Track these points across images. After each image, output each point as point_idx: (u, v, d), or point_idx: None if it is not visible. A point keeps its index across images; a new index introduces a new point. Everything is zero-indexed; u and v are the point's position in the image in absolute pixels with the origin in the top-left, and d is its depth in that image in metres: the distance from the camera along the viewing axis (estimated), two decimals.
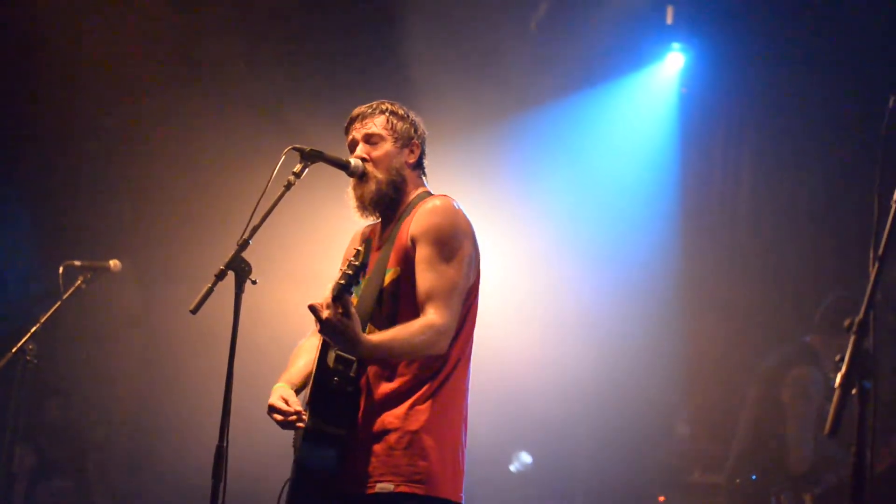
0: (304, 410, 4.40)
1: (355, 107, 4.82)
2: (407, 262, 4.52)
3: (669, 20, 9.46)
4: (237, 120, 8.93)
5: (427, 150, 4.86)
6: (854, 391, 2.99)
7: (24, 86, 9.07)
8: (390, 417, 4.41)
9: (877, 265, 3.10)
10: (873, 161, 3.27)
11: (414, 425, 4.39)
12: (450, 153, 7.67)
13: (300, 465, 4.44)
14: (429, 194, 4.75)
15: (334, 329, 4.13)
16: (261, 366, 5.61)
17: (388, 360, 4.44)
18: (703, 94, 9.62)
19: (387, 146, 4.71)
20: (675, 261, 9.51)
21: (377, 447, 4.39)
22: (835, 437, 2.92)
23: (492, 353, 7.31)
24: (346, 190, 4.73)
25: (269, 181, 4.47)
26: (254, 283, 4.42)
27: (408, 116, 4.80)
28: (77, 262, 7.29)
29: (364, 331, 4.35)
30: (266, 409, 4.47)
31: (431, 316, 4.37)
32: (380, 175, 4.67)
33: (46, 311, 7.08)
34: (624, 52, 9.51)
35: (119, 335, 9.16)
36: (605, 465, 9.21)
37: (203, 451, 4.41)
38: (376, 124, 4.73)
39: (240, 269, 4.39)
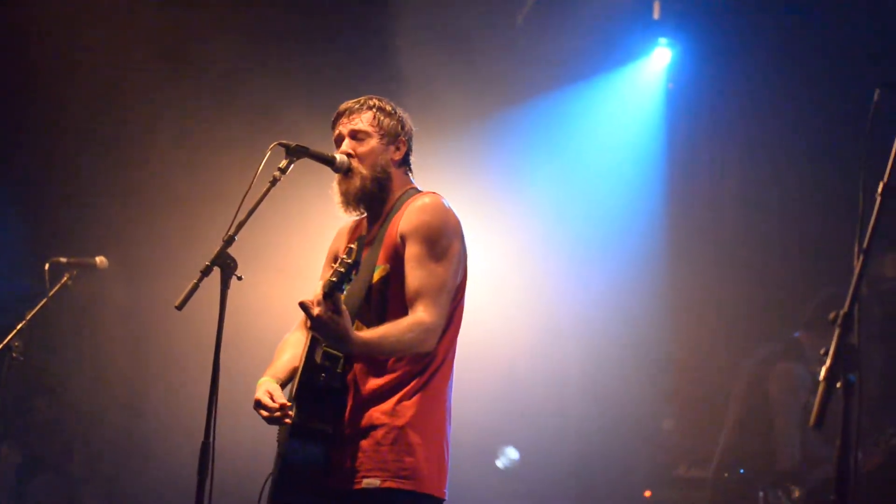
0: (290, 404, 4.41)
1: (342, 102, 4.81)
2: (396, 260, 4.54)
3: (656, 15, 9.45)
4: (224, 116, 8.91)
5: (414, 146, 4.86)
6: (839, 384, 2.99)
7: (11, 83, 9.04)
8: (377, 413, 4.43)
9: (861, 258, 3.11)
10: (859, 155, 3.28)
11: (401, 421, 4.41)
12: (437, 148, 7.68)
13: (285, 461, 4.43)
14: (416, 191, 4.75)
15: (325, 326, 4.13)
16: (248, 361, 5.60)
17: (376, 357, 4.45)
18: (690, 89, 9.61)
19: (373, 142, 4.70)
20: (662, 256, 9.52)
21: (364, 443, 4.41)
22: (820, 430, 2.92)
23: (478, 348, 7.34)
24: (332, 185, 4.73)
25: (254, 177, 4.47)
26: (239, 279, 4.42)
27: (395, 113, 4.80)
28: (63, 259, 7.28)
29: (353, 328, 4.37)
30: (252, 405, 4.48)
31: (420, 314, 4.39)
32: (365, 171, 4.66)
33: (33, 309, 7.07)
34: (611, 48, 9.50)
35: (106, 332, 9.14)
36: (591, 459, 9.22)
37: (191, 447, 4.40)
38: (363, 120, 4.72)
39: (225, 265, 4.39)
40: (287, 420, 4.38)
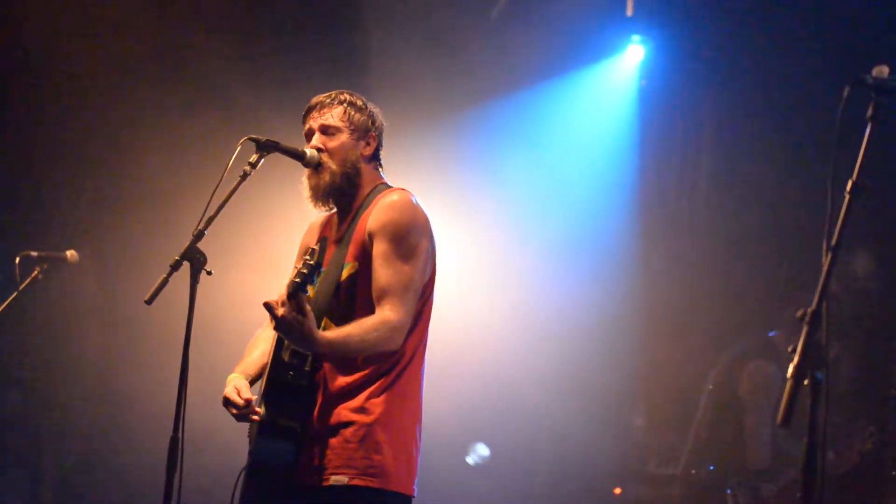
0: (259, 402, 4.42)
1: (313, 96, 4.81)
2: (365, 257, 4.53)
3: (630, 12, 9.46)
4: (195, 110, 8.88)
5: (386, 141, 4.86)
6: (806, 382, 3.00)
7: None
8: (345, 411, 4.43)
9: (830, 255, 3.12)
10: (829, 152, 3.28)
11: (369, 418, 4.41)
12: (410, 144, 7.68)
13: (255, 458, 4.45)
14: (386, 187, 4.75)
15: (289, 327, 4.13)
16: (220, 355, 5.58)
17: (343, 357, 4.44)
18: (663, 86, 9.63)
19: (343, 137, 4.69)
20: (634, 252, 9.53)
21: (333, 440, 4.41)
22: (787, 428, 2.93)
23: (449, 345, 7.33)
24: (301, 179, 4.72)
25: (224, 171, 4.47)
26: (209, 273, 4.42)
27: (366, 108, 4.79)
28: (34, 253, 7.23)
29: (321, 325, 4.42)
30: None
31: (386, 312, 4.38)
32: (334, 166, 4.66)
33: (3, 303, 7.03)
34: (584, 45, 9.50)
35: (77, 326, 9.10)
36: (561, 457, 9.23)
37: (162, 442, 4.39)
38: (333, 115, 4.71)
39: (195, 260, 4.39)
40: (255, 417, 4.39)
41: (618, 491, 9.03)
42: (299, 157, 4.66)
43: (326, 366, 4.49)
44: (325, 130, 4.70)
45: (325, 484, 4.37)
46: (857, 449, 7.54)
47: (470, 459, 9.25)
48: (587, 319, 9.17)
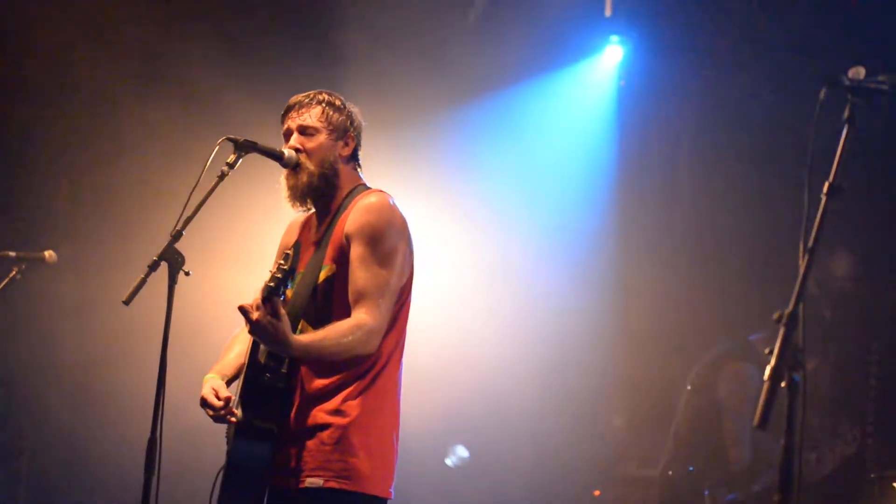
0: (233, 397, 4.42)
1: (292, 95, 4.80)
2: (342, 260, 4.54)
3: (608, 12, 9.46)
4: (173, 110, 8.86)
5: (364, 141, 4.85)
6: (783, 384, 3.00)
7: None
8: (322, 413, 4.44)
9: (807, 258, 3.12)
10: (805, 153, 3.29)
11: (345, 421, 4.42)
12: (389, 143, 7.68)
13: (231, 459, 4.45)
14: (365, 188, 4.75)
15: (264, 330, 4.13)
16: (198, 356, 5.57)
17: (319, 360, 4.44)
18: (642, 86, 9.63)
19: (321, 138, 4.69)
20: (613, 252, 9.53)
21: (309, 442, 4.42)
22: (764, 430, 2.93)
23: (427, 346, 7.34)
24: (279, 180, 4.72)
25: (202, 172, 4.47)
26: (187, 274, 4.43)
27: (344, 108, 4.78)
28: (11, 253, 7.21)
29: (297, 327, 4.44)
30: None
31: (362, 315, 4.38)
32: (312, 167, 4.65)
33: None
34: (563, 45, 9.49)
35: (55, 326, 9.06)
36: (541, 459, 9.22)
37: (139, 443, 4.38)
38: (312, 115, 4.71)
39: (172, 260, 4.40)
40: (232, 418, 4.39)
41: (597, 493, 9.03)
42: (277, 157, 4.66)
43: (303, 368, 4.48)
44: (304, 131, 4.69)
45: (301, 486, 4.38)
46: (839, 451, 7.54)
47: (449, 461, 9.25)
48: (566, 321, 9.16)
